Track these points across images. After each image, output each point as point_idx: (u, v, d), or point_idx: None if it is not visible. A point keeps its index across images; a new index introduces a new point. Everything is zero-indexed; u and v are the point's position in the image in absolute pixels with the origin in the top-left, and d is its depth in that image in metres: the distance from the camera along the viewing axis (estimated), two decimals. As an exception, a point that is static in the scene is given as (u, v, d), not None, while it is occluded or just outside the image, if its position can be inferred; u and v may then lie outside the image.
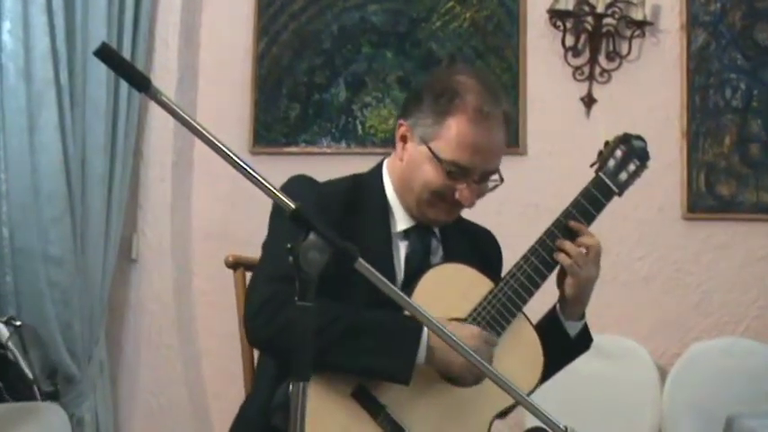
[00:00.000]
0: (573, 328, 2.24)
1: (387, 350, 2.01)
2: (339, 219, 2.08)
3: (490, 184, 2.19)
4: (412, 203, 2.18)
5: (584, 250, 2.17)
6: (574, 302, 2.21)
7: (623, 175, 2.25)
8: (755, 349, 3.65)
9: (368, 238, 2.11)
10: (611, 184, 2.23)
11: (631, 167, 2.25)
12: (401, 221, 2.20)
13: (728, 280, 3.77)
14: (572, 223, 2.19)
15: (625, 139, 2.27)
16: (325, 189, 2.18)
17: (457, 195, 2.12)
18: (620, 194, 2.25)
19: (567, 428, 1.56)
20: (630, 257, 3.80)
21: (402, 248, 2.19)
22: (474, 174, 2.12)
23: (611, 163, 2.24)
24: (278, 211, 2.10)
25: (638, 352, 3.67)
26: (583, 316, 2.26)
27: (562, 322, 2.23)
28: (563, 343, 2.24)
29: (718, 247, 3.78)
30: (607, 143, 2.28)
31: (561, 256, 2.17)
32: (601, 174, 2.24)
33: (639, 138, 2.28)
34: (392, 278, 2.14)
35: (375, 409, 2.04)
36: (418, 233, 2.21)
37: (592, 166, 2.26)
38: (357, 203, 2.17)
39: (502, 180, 2.17)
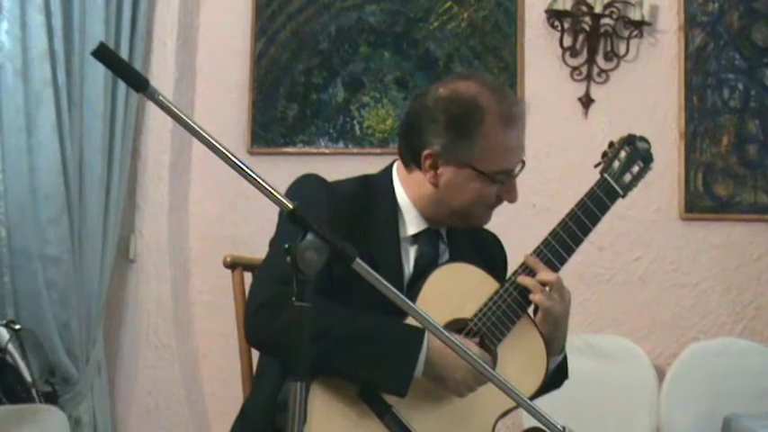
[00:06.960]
0: (550, 363, 2.19)
1: (385, 362, 2.00)
2: (349, 218, 2.09)
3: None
4: (450, 219, 2.19)
5: (546, 288, 2.14)
6: (548, 340, 2.16)
7: (627, 177, 2.23)
8: (753, 349, 3.65)
9: (377, 240, 2.12)
10: (616, 186, 2.21)
11: (635, 169, 2.24)
12: (411, 226, 2.19)
13: (726, 280, 3.77)
14: (528, 259, 2.15)
15: (630, 141, 2.25)
16: (336, 188, 2.18)
17: (505, 198, 2.16)
18: (623, 196, 2.23)
19: (564, 429, 1.56)
20: (628, 257, 3.80)
21: (411, 252, 2.19)
22: (515, 170, 2.15)
23: (616, 164, 2.22)
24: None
25: (636, 352, 3.67)
26: (562, 350, 2.23)
27: None
28: None
29: (716, 248, 3.78)
30: (612, 144, 2.26)
31: (531, 296, 2.13)
32: (606, 175, 2.22)
33: (644, 139, 2.26)
34: (400, 279, 2.14)
35: (381, 409, 2.03)
36: (427, 237, 2.21)
37: (596, 166, 2.24)
38: (367, 205, 2.17)
39: (524, 163, 2.18)
